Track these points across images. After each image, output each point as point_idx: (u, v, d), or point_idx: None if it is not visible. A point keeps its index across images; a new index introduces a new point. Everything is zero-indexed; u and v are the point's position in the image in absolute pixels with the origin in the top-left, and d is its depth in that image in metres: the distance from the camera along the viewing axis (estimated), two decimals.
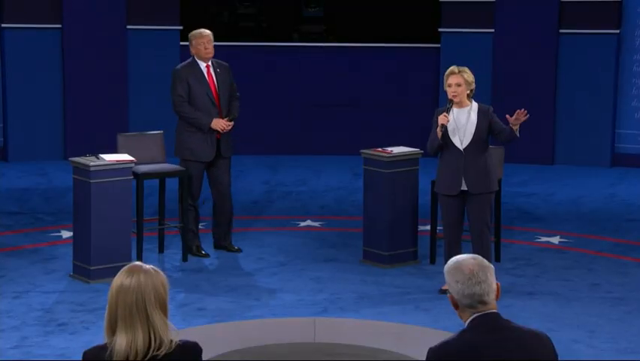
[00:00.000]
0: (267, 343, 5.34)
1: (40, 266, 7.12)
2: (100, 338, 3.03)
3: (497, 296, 2.93)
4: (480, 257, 2.96)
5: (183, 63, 7.38)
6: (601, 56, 10.74)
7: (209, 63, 7.29)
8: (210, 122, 7.19)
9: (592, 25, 10.72)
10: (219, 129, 7.21)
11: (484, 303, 2.90)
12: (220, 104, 7.28)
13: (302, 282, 6.85)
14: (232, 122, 7.25)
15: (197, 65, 7.28)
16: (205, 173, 7.39)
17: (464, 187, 6.45)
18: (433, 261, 7.25)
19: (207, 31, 7.31)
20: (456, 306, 2.94)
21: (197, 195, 7.38)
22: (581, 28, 10.75)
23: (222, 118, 7.24)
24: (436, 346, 2.89)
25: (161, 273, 2.90)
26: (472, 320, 2.91)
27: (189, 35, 7.35)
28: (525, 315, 6.10)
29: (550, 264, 7.31)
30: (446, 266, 2.98)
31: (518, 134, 6.35)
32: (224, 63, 7.43)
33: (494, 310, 2.92)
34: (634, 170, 10.68)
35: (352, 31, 11.66)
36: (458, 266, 2.93)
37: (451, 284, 2.94)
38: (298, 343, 5.34)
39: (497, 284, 2.94)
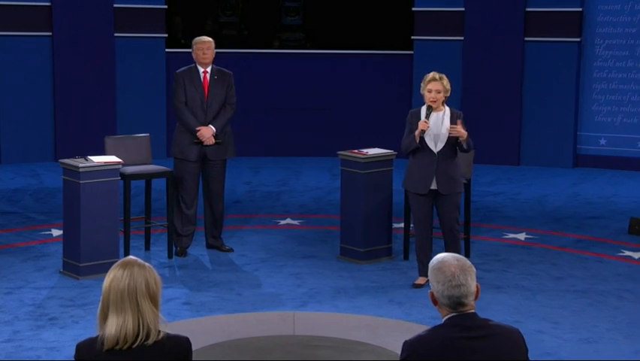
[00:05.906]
0: (248, 336, 5.33)
1: (32, 263, 7.07)
2: (88, 332, 3.02)
3: (477, 296, 2.89)
4: (463, 258, 2.91)
5: (185, 67, 7.33)
6: (563, 62, 10.80)
7: (208, 69, 7.25)
8: (197, 128, 7.16)
9: (555, 34, 10.79)
10: (202, 140, 7.18)
11: (462, 304, 2.86)
12: (207, 110, 7.24)
13: (282, 277, 6.84)
14: (217, 141, 7.19)
15: (197, 69, 7.25)
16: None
17: (434, 186, 6.46)
18: (406, 257, 7.26)
19: (208, 38, 7.29)
20: (435, 302, 2.91)
21: (191, 195, 7.27)
22: (544, 37, 10.81)
23: (209, 124, 7.20)
24: (410, 339, 2.85)
25: (155, 271, 2.93)
26: (449, 318, 2.88)
27: (192, 41, 7.33)
28: (493, 308, 6.12)
29: (516, 259, 7.33)
30: (430, 264, 2.93)
31: (465, 146, 6.35)
32: (227, 71, 7.34)
33: (472, 311, 2.88)
34: (595, 170, 10.76)
35: (330, 39, 11.67)
36: (440, 267, 2.88)
37: (432, 282, 2.89)
38: (278, 336, 5.33)
39: (477, 286, 2.89)
